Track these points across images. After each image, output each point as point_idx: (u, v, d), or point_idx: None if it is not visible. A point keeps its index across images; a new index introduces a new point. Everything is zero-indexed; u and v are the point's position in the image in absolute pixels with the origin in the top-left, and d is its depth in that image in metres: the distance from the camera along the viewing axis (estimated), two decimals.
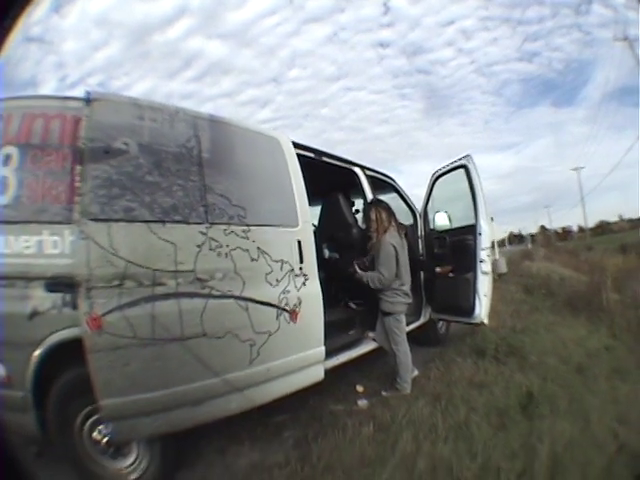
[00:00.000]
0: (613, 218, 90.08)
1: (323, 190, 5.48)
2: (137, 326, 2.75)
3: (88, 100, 2.92)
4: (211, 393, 3.12)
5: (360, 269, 4.86)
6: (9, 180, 2.94)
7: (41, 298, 2.82)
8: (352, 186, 5.78)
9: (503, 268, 19.69)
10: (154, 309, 2.82)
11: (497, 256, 21.30)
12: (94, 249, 2.67)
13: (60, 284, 2.80)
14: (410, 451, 3.28)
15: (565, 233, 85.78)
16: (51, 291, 2.82)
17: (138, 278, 2.78)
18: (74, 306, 2.74)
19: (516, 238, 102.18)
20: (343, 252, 5.64)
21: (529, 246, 62.41)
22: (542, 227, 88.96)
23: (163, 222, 2.94)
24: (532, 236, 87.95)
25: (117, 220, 2.78)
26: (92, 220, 2.71)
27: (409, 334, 5.16)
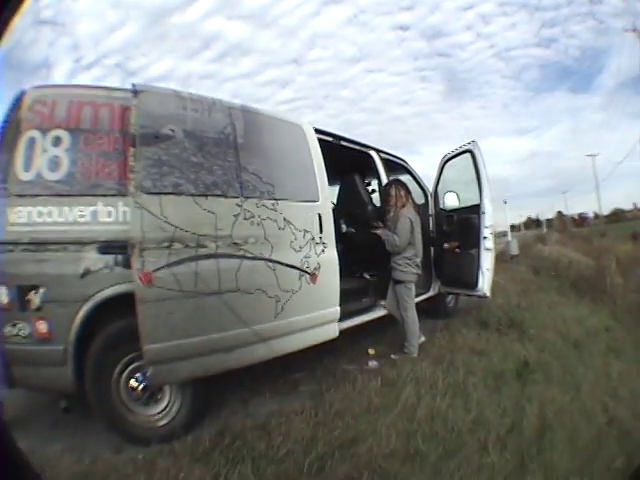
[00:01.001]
0: (628, 206, 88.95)
1: (341, 171, 5.88)
2: (182, 281, 3.22)
3: (135, 91, 3.35)
4: (241, 342, 3.61)
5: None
6: (60, 159, 3.29)
7: (94, 259, 3.22)
8: (368, 167, 6.24)
9: (515, 250, 20.04)
10: (197, 267, 3.32)
11: (509, 238, 21.68)
12: (147, 217, 3.14)
13: (112, 247, 3.24)
14: (412, 402, 3.68)
15: (581, 219, 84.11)
16: (104, 253, 3.23)
17: (184, 241, 3.26)
18: (124, 265, 3.20)
19: (533, 223, 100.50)
20: (359, 227, 6.04)
21: (544, 231, 61.85)
22: (559, 212, 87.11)
23: (205, 196, 3.44)
24: (549, 221, 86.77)
25: (167, 193, 3.26)
26: (145, 193, 3.16)
27: (419, 306, 5.58)
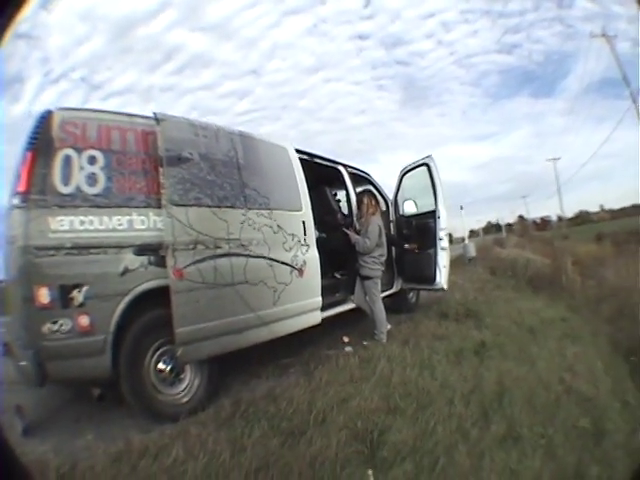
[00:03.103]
0: (594, 208, 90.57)
1: (314, 183, 6.72)
2: (205, 275, 4.14)
3: (157, 119, 4.17)
4: (248, 324, 4.57)
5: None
6: (97, 176, 3.88)
7: (131, 260, 3.88)
8: (337, 180, 7.31)
9: (472, 252, 21.38)
10: (215, 264, 4.27)
11: (466, 242, 23.01)
12: (177, 224, 4.02)
13: (146, 249, 3.97)
14: (386, 373, 4.52)
15: (544, 223, 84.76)
16: (139, 254, 3.93)
17: (205, 243, 4.20)
18: (156, 264, 3.97)
19: (493, 228, 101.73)
20: (329, 232, 7.02)
21: (504, 235, 63.33)
22: (520, 217, 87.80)
23: (219, 207, 4.42)
24: (509, 225, 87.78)
25: (191, 205, 4.18)
26: (174, 205, 4.04)
27: (384, 302, 6.55)
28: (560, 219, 62.23)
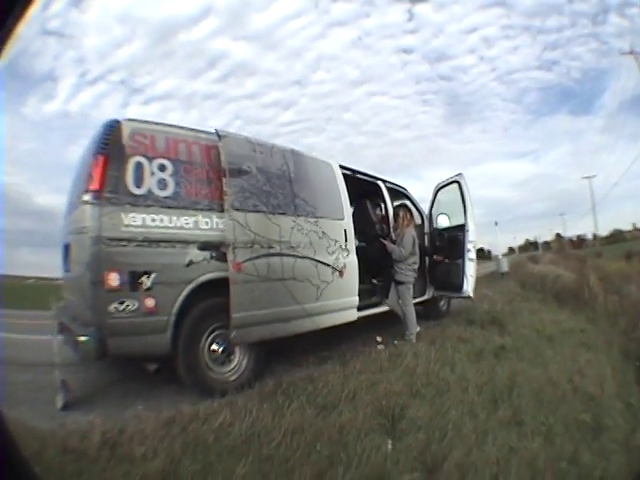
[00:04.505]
0: (628, 227, 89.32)
1: (356, 197, 7.55)
2: (259, 270, 4.82)
3: (219, 136, 4.88)
4: (294, 315, 5.26)
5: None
6: (167, 181, 4.51)
7: (195, 254, 4.52)
8: (376, 194, 7.98)
9: (505, 268, 21.86)
10: (268, 261, 4.95)
11: (500, 257, 23.44)
12: (237, 226, 4.69)
13: (209, 246, 4.62)
14: (412, 366, 5.10)
15: (580, 241, 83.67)
16: (202, 250, 4.57)
17: (260, 243, 4.90)
18: (216, 259, 4.62)
19: (531, 245, 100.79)
20: (369, 242, 7.60)
21: (540, 252, 62.76)
22: (557, 235, 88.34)
23: (273, 213, 5.14)
24: (547, 243, 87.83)
25: (249, 211, 4.87)
26: (235, 210, 4.72)
27: (417, 308, 7.24)
28: (595, 237, 61.44)
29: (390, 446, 3.24)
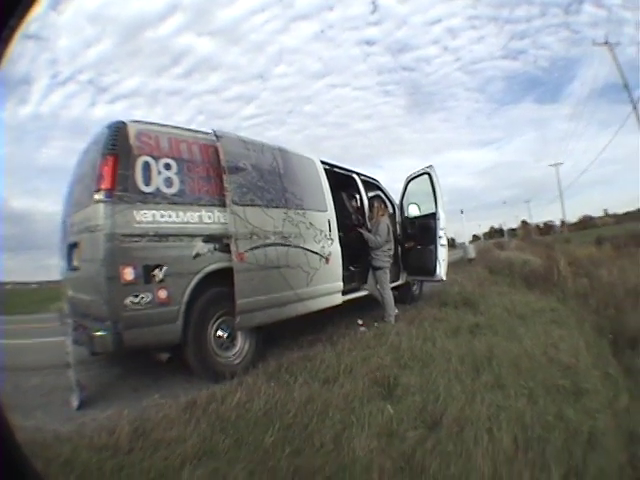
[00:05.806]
0: (599, 213, 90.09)
1: (334, 189, 7.64)
2: (258, 259, 5.27)
3: (217, 136, 5.26)
4: (289, 300, 5.77)
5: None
6: (173, 179, 4.79)
7: (201, 247, 4.84)
8: (351, 186, 8.62)
9: (472, 254, 22.76)
10: (266, 250, 5.42)
11: (466, 244, 24.28)
12: (238, 220, 5.12)
13: (213, 239, 4.97)
14: (396, 343, 5.62)
15: (547, 227, 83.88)
16: (207, 242, 4.91)
17: (258, 234, 5.35)
18: (220, 250, 4.98)
19: (497, 232, 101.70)
20: (346, 232, 8.01)
21: (505, 239, 63.76)
22: (523, 221, 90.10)
23: (268, 207, 5.65)
24: (513, 230, 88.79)
25: (247, 205, 5.31)
26: (235, 204, 5.13)
27: (392, 292, 7.82)
28: (563, 223, 61.95)
29: (391, 410, 3.66)
